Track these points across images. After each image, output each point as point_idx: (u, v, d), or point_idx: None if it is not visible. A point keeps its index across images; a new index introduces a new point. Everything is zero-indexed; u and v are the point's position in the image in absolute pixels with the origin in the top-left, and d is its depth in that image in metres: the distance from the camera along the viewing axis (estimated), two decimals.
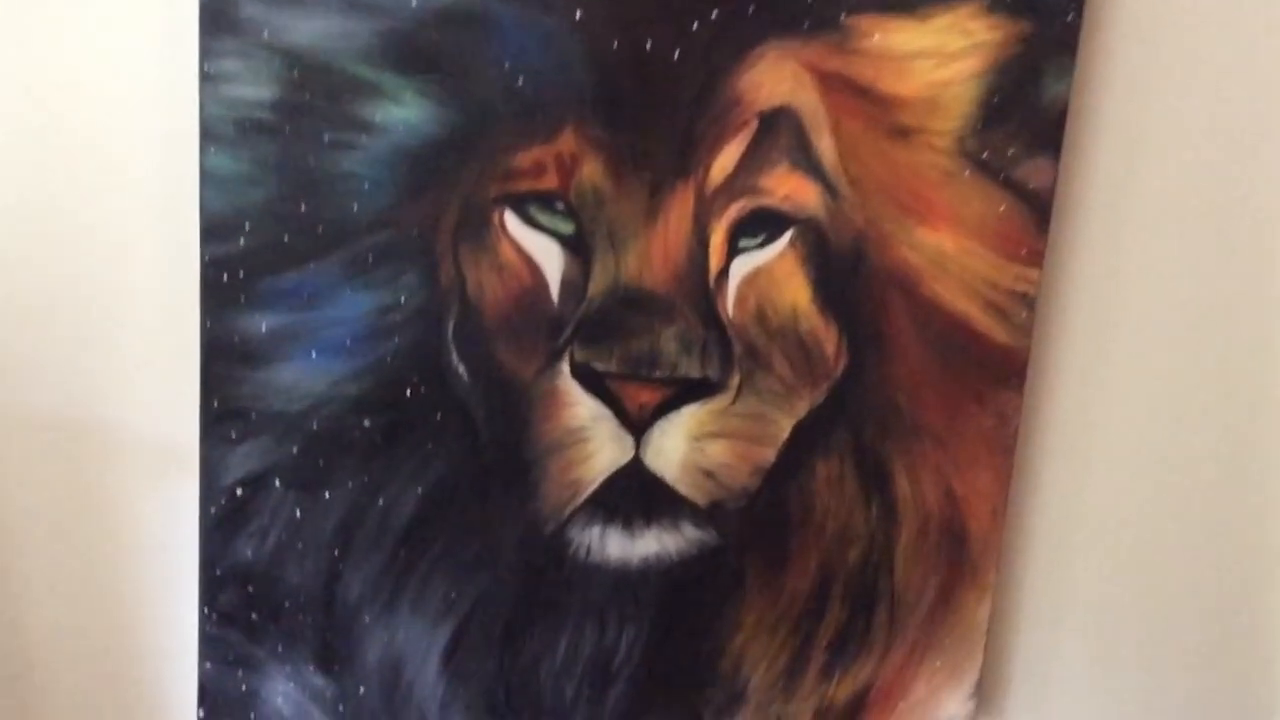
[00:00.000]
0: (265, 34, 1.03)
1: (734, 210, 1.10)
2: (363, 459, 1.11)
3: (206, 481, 1.11)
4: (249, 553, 1.13)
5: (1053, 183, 1.12)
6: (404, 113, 1.05)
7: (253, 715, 1.17)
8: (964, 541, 1.21)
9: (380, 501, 1.13)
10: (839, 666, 1.23)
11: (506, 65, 1.05)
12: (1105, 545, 1.28)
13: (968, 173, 1.10)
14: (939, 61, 1.09)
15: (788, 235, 1.11)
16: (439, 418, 1.11)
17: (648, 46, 1.05)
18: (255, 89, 1.03)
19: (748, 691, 1.22)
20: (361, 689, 1.17)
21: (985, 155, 1.10)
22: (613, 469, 1.13)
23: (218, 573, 1.14)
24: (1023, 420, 1.20)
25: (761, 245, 1.11)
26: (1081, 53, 1.11)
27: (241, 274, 1.06)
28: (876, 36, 1.07)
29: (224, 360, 1.08)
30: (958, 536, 1.21)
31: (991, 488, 1.20)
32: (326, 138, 1.04)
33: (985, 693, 1.28)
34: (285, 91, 1.04)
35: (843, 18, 1.07)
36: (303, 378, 1.09)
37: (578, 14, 1.05)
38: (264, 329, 1.08)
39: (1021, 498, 1.25)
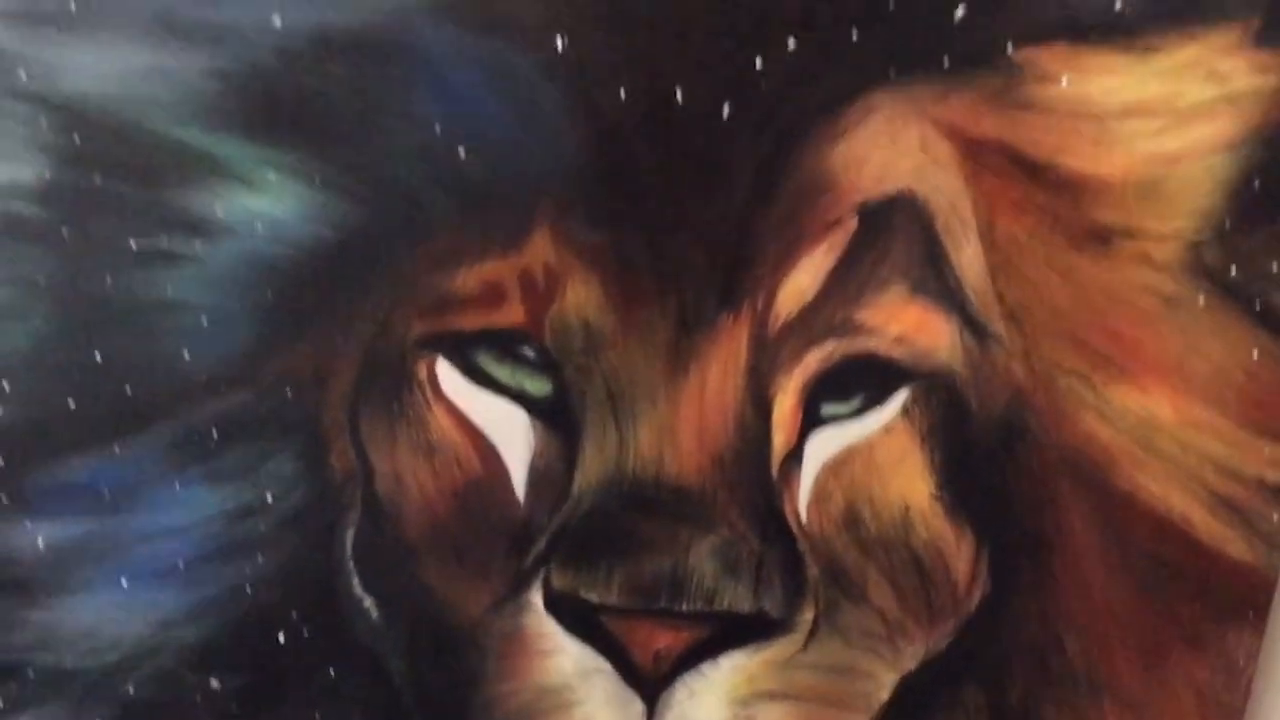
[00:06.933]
0: (23, 76, 0.73)
1: (814, 359, 0.82)
2: None
3: None
4: None
5: None
6: (263, 203, 0.76)
7: None
8: None
9: None
10: None
11: (438, 128, 0.75)
12: None
13: (1203, 299, 0.83)
14: (1167, 123, 0.78)
15: (900, 397, 0.84)
16: (333, 675, 0.85)
17: (677, 96, 0.75)
18: (9, 166, 0.75)
19: None
20: None
21: (1233, 273, 0.83)
22: None
23: None
24: (1258, 672, 0.93)
25: (857, 413, 0.84)
26: None
27: (1, 462, 0.80)
28: (1065, 80, 0.76)
29: None
30: None
31: None
32: (133, 244, 0.76)
33: None
34: (60, 170, 0.75)
35: (1010, 49, 0.75)
36: (108, 618, 0.83)
37: (559, 43, 0.74)
38: (41, 545, 0.81)
39: None
